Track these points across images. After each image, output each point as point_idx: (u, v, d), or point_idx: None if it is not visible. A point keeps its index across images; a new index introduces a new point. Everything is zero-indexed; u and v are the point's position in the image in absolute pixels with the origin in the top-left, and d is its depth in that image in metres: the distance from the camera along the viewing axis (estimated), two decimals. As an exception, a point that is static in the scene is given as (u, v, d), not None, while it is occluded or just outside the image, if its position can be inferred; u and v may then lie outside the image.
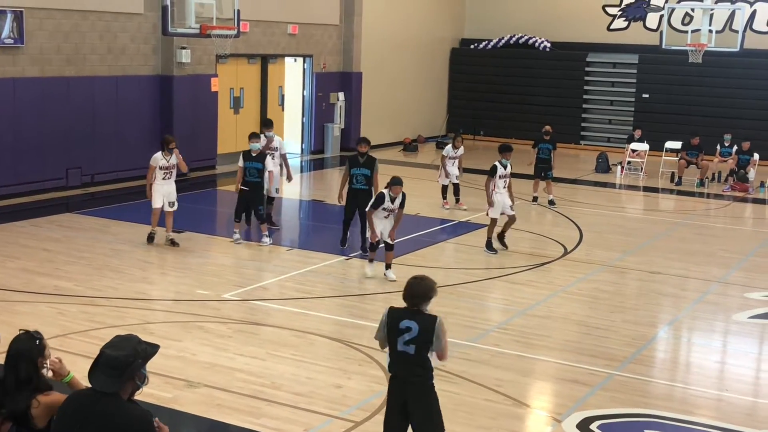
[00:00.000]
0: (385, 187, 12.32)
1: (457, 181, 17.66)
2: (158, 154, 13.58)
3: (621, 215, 18.69)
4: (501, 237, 14.21)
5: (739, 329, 11.11)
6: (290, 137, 24.13)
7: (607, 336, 10.41)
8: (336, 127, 24.85)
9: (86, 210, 16.17)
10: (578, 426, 7.87)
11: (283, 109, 23.77)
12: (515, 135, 28.84)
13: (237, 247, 13.79)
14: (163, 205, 13.58)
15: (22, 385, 4.72)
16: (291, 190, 20.16)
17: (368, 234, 12.52)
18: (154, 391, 7.84)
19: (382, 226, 12.33)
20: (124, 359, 4.27)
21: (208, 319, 10.31)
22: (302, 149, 24.59)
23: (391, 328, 6.09)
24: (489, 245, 14.05)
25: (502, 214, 14.15)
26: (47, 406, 4.68)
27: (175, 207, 13.72)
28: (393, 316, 6.13)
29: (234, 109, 22.08)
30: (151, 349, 4.44)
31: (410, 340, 6.03)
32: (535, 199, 18.83)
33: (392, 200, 12.19)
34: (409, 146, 26.81)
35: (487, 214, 14.29)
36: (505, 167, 14.14)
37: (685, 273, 13.53)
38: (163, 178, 13.58)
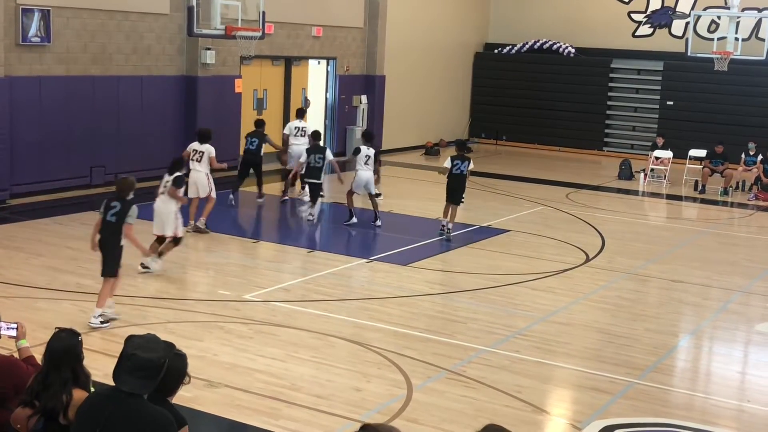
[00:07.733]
0: None
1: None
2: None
3: (644, 223, 18.59)
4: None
5: (762, 339, 11.01)
6: (312, 139, 24.15)
7: (628, 344, 10.35)
8: (358, 130, 24.84)
9: (109, 208, 16.22)
10: (598, 434, 7.83)
11: (306, 111, 23.78)
12: (537, 140, 28.85)
13: (257, 248, 13.83)
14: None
15: (67, 382, 4.73)
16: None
17: None
18: (175, 390, 7.86)
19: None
20: (158, 361, 4.27)
21: (229, 319, 10.35)
22: (324, 152, 24.57)
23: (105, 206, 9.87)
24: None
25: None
26: (77, 401, 4.70)
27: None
28: (106, 202, 9.90)
29: (257, 110, 22.13)
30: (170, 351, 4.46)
31: (114, 213, 9.72)
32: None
33: None
34: (431, 150, 26.79)
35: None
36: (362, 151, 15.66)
37: (708, 282, 13.43)
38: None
